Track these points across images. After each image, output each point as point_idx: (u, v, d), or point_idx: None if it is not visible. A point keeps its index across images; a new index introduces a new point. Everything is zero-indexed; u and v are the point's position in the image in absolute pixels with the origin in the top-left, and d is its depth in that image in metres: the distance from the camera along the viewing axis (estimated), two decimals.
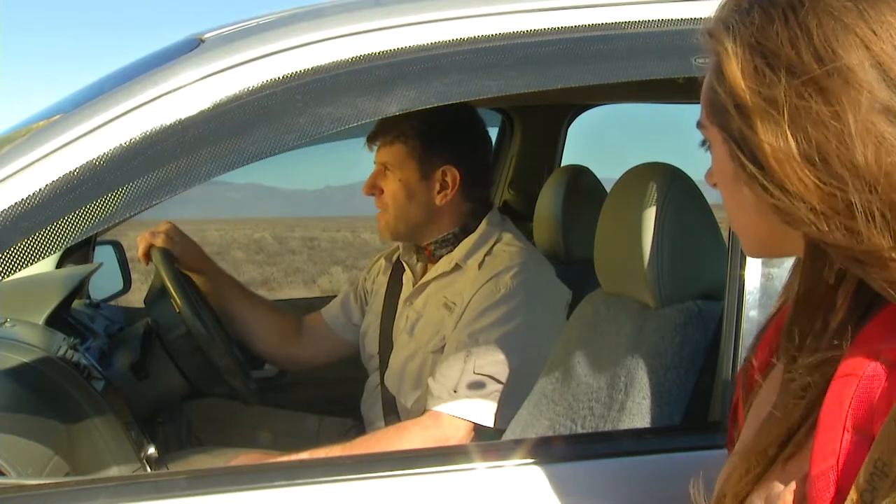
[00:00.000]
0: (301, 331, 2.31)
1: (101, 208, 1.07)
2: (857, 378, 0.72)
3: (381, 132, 2.03)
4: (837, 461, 0.71)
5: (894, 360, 0.71)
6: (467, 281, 1.95)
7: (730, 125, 0.75)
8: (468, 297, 1.91)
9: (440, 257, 2.03)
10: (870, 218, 0.69)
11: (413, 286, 2.10)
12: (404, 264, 2.14)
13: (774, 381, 0.86)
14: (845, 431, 0.71)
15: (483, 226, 2.02)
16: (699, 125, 0.83)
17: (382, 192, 2.03)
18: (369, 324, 2.20)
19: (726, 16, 0.77)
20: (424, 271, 2.10)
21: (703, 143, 0.83)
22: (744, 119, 0.73)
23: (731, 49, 0.74)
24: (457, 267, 1.99)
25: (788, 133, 0.70)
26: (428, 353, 1.96)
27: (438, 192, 2.01)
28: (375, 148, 2.04)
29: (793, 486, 0.76)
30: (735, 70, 0.73)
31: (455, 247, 2.01)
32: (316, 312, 2.33)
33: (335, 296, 2.40)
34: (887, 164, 0.68)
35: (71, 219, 1.06)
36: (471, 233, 2.01)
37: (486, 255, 1.96)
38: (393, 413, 2.04)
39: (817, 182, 0.70)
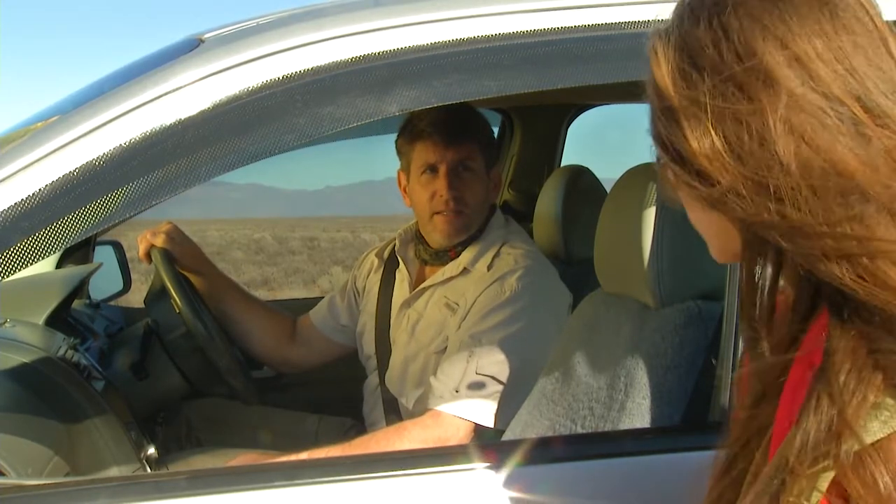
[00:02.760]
0: (294, 333, 2.31)
1: (101, 208, 1.07)
2: (803, 387, 0.73)
3: (458, 128, 1.96)
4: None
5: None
6: (470, 281, 1.95)
7: (657, 127, 0.77)
8: (472, 297, 1.91)
9: (451, 259, 2.02)
10: (795, 202, 0.71)
11: (409, 286, 2.09)
12: (401, 261, 2.13)
13: None
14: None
15: (490, 228, 2.02)
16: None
17: (462, 190, 1.97)
18: (364, 324, 2.19)
19: (666, 22, 0.79)
20: (422, 272, 2.10)
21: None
22: (670, 119, 0.75)
23: (660, 52, 0.76)
24: (465, 271, 1.98)
25: (712, 130, 0.72)
26: (430, 353, 1.96)
27: (492, 191, 2.04)
28: (443, 146, 1.96)
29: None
30: (662, 72, 0.76)
31: (464, 248, 2.00)
32: (305, 315, 2.32)
33: None
34: (806, 156, 0.70)
35: (71, 219, 1.06)
36: (478, 235, 2.01)
37: (494, 257, 1.96)
38: (394, 414, 2.04)
39: (743, 173, 0.72)
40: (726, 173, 0.72)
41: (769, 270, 0.77)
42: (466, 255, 1.99)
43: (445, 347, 1.92)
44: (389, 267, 2.18)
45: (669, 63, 0.75)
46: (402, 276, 2.13)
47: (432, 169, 1.98)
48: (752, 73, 0.71)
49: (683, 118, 0.74)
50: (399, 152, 2.07)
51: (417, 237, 2.10)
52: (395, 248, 2.16)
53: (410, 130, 2.01)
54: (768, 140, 0.70)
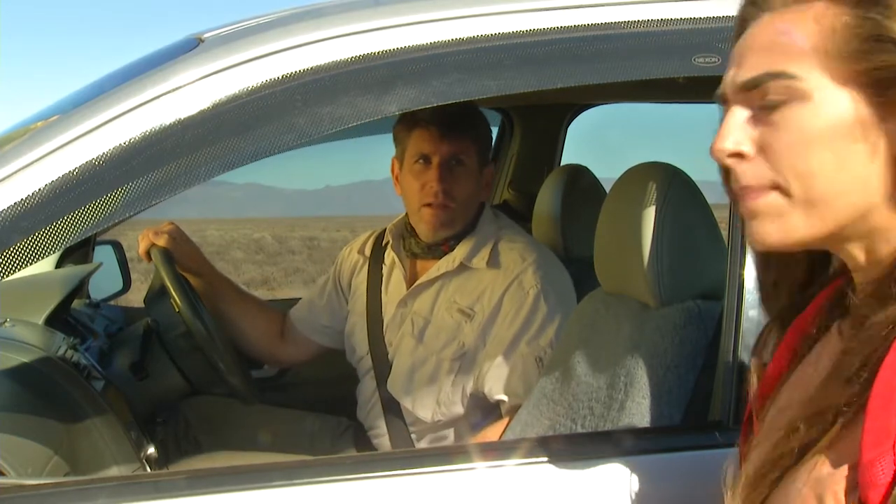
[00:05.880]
0: (284, 331, 2.29)
1: (101, 208, 1.07)
2: None
3: (456, 121, 1.96)
4: (893, 445, 0.69)
5: None
6: (481, 284, 1.94)
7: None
8: (490, 302, 1.91)
9: (444, 254, 2.02)
10: None
11: (405, 283, 2.07)
12: (394, 256, 2.11)
13: (799, 381, 0.85)
14: None
15: (481, 223, 2.02)
16: (774, 76, 0.78)
17: (452, 184, 1.97)
18: (355, 324, 2.16)
19: None
20: (413, 266, 2.08)
21: (771, 104, 0.79)
22: None
23: None
24: (462, 266, 1.98)
25: None
26: (443, 359, 1.95)
27: (483, 189, 2.04)
28: (439, 137, 1.96)
29: (844, 472, 0.73)
30: None
31: (457, 243, 2.01)
32: (287, 314, 2.30)
33: None
34: None
35: (71, 219, 1.06)
36: (470, 230, 2.01)
37: (490, 252, 1.96)
38: (396, 417, 2.02)
39: None
40: None
41: None
42: (461, 250, 1.99)
43: (463, 354, 1.92)
44: (375, 263, 2.16)
45: None
46: (393, 272, 2.12)
47: (426, 159, 1.98)
48: None
49: None
50: (395, 139, 2.06)
51: (408, 230, 2.09)
52: (389, 244, 2.13)
53: (409, 118, 2.00)
54: None
